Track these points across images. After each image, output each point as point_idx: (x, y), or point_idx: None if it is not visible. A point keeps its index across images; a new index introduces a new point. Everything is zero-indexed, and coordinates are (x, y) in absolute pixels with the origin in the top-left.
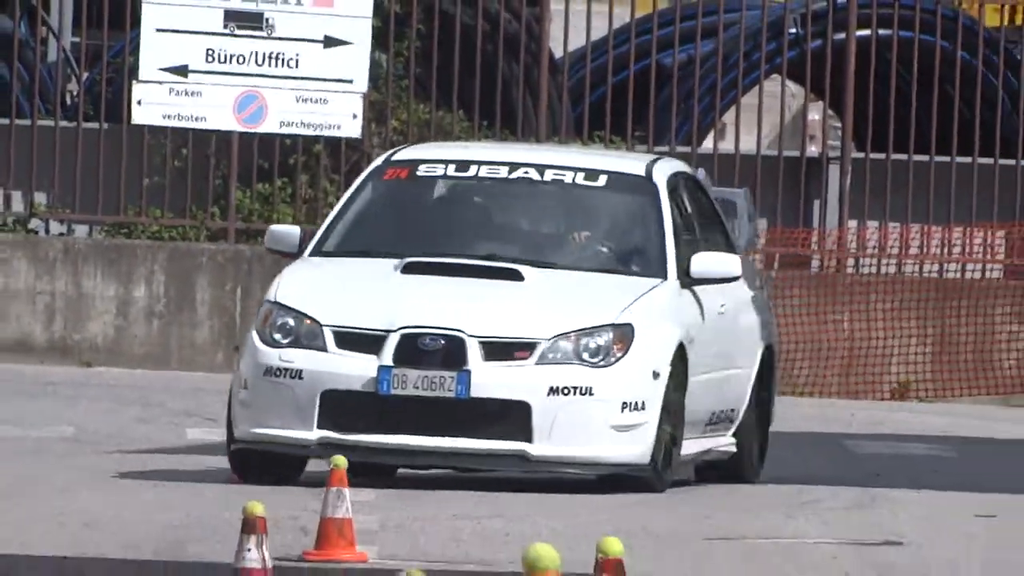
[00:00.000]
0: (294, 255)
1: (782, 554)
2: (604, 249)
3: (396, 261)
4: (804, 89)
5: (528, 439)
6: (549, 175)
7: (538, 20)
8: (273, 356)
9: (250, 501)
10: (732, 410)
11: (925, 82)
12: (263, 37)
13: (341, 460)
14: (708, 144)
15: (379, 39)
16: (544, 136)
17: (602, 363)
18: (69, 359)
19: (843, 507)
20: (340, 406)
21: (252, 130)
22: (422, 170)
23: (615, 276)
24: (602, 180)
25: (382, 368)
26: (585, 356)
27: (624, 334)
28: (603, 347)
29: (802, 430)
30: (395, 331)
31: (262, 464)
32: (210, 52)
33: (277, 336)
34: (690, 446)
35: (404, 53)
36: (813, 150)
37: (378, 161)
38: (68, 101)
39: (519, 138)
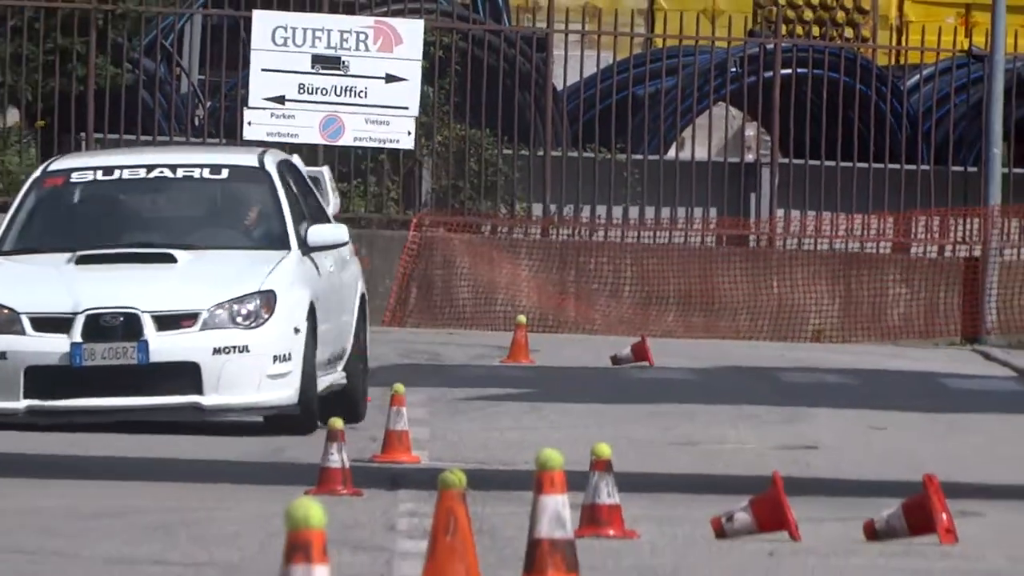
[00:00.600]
0: None
1: (727, 455)
2: (237, 227)
3: (68, 255)
4: (743, 112)
5: (200, 392)
6: (180, 172)
7: (544, 62)
8: None
9: (333, 418)
10: (343, 349)
11: (832, 107)
12: (340, 75)
13: (400, 387)
14: (671, 153)
15: (427, 76)
16: (549, 147)
17: (254, 324)
18: None
19: (774, 421)
20: (41, 378)
21: (333, 144)
22: (75, 177)
23: (250, 252)
24: (224, 173)
25: (74, 344)
26: (239, 320)
27: (269, 299)
28: (253, 311)
29: (744, 365)
30: (80, 313)
31: None
32: (301, 86)
33: None
34: (321, 383)
35: (445, 87)
36: (749, 157)
37: (37, 172)
38: (196, 123)
39: (530, 149)
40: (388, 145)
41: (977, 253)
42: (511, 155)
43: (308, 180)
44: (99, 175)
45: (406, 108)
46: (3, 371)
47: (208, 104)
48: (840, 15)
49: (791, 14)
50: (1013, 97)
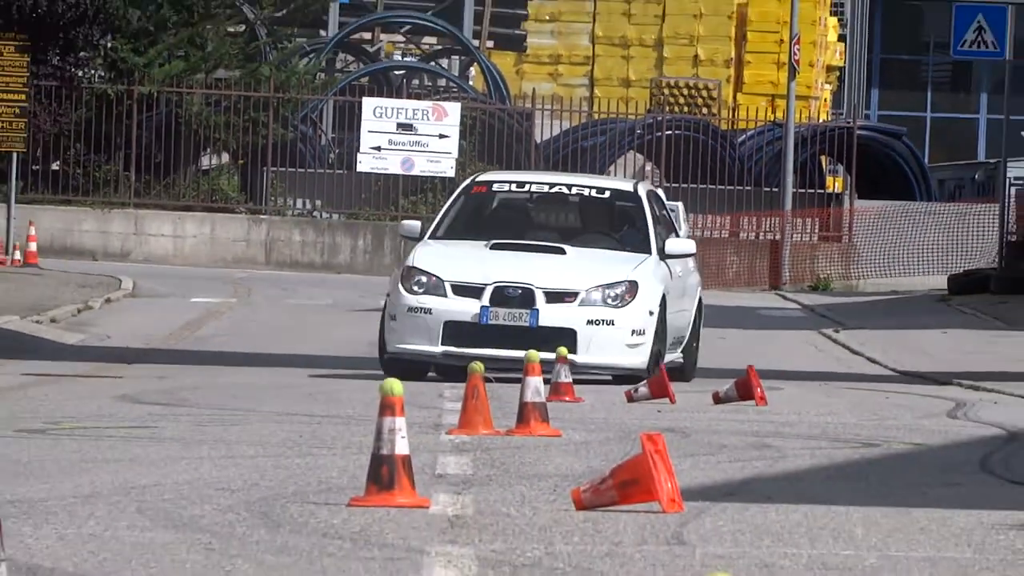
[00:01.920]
0: (416, 239)
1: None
2: (613, 234)
3: (485, 242)
4: (644, 156)
5: (574, 351)
6: (575, 190)
7: (530, 127)
8: (412, 300)
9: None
10: (683, 336)
11: (696, 153)
12: (412, 134)
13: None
14: None
15: (462, 135)
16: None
17: (620, 305)
18: (333, 271)
19: (739, 343)
20: (456, 331)
21: (407, 174)
22: (495, 187)
23: (620, 252)
24: (607, 193)
25: (483, 307)
26: (609, 300)
27: (632, 287)
28: (620, 295)
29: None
30: (490, 284)
31: (403, 367)
32: (390, 140)
33: (415, 287)
34: (665, 359)
35: (472, 141)
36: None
37: (467, 182)
38: (330, 161)
39: None
40: (439, 175)
41: (777, 238)
42: None
43: (666, 208)
44: (513, 187)
45: (450, 153)
46: (427, 323)
47: (336, 151)
48: (700, 100)
49: (672, 99)
50: (799, 147)
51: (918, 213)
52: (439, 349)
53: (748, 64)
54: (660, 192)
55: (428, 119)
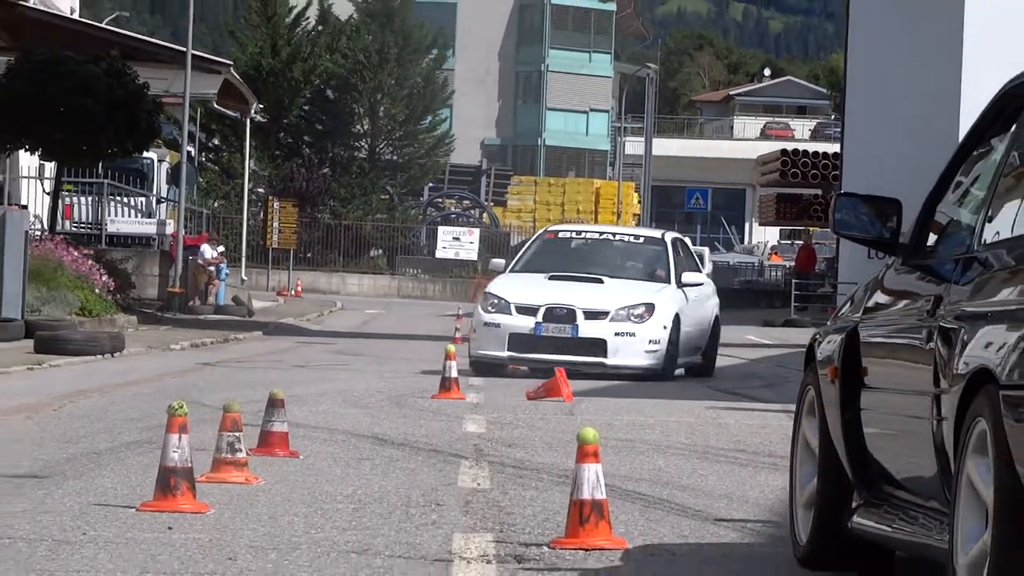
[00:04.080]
0: (500, 273)
1: None
2: (643, 269)
3: (546, 275)
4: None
5: (605, 356)
6: (616, 237)
7: (508, 241)
8: (487, 317)
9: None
10: (699, 346)
11: None
12: (460, 240)
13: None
14: None
15: (481, 241)
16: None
17: (640, 321)
18: (427, 299)
19: None
20: (518, 340)
21: (456, 257)
22: (561, 235)
23: (646, 283)
24: (641, 239)
25: (537, 323)
26: (632, 318)
27: (650, 307)
28: (640, 314)
29: None
30: (543, 306)
31: (483, 367)
32: (452, 239)
33: (490, 308)
34: (683, 360)
35: (482, 246)
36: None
37: (541, 231)
38: (424, 251)
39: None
40: (470, 258)
41: None
42: None
43: (692, 250)
44: (572, 235)
45: (475, 248)
46: (497, 334)
47: (425, 247)
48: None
49: None
50: None
51: None
52: (505, 354)
53: None
54: (686, 240)
55: (467, 236)
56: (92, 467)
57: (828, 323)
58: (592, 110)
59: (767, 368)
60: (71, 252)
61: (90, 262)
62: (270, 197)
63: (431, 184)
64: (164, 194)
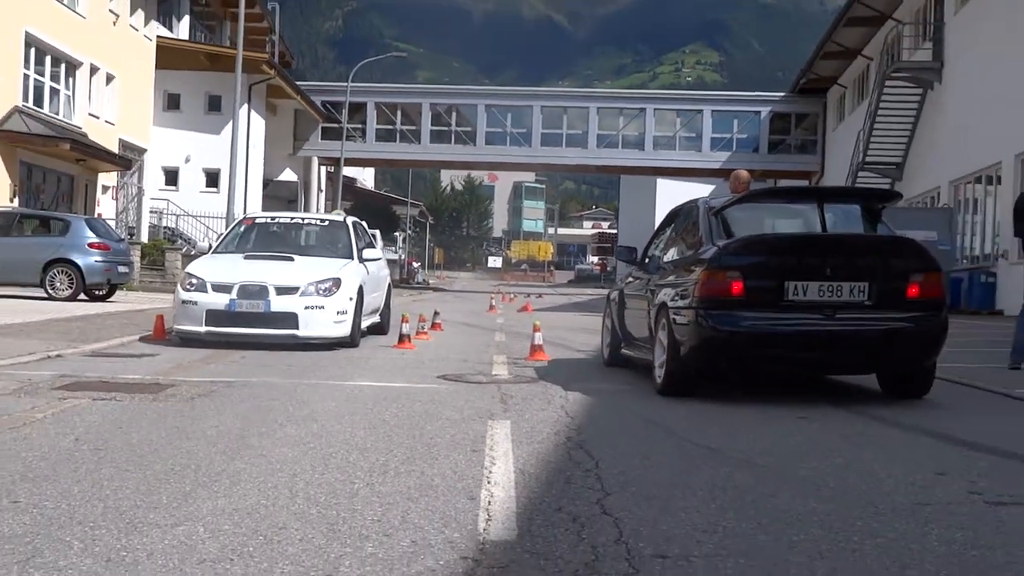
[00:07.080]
0: (200, 255)
1: None
2: (330, 248)
3: (241, 255)
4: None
5: (297, 328)
6: (305, 221)
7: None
8: (186, 295)
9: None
10: (378, 308)
11: None
12: None
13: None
14: None
15: None
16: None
17: (328, 294)
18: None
19: None
20: (214, 316)
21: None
22: (257, 220)
23: (332, 259)
24: (326, 222)
25: (231, 300)
26: (320, 292)
27: (337, 282)
28: (328, 288)
29: None
30: (237, 283)
31: (181, 342)
32: None
33: (188, 287)
34: (364, 322)
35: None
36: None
37: (240, 217)
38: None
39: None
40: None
41: None
42: None
43: (368, 232)
44: (268, 219)
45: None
46: (195, 311)
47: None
48: None
49: None
50: None
51: None
52: (203, 329)
53: None
54: (363, 224)
55: None
56: None
57: (613, 286)
58: None
59: (592, 303)
60: None
61: None
62: None
63: None
64: None
